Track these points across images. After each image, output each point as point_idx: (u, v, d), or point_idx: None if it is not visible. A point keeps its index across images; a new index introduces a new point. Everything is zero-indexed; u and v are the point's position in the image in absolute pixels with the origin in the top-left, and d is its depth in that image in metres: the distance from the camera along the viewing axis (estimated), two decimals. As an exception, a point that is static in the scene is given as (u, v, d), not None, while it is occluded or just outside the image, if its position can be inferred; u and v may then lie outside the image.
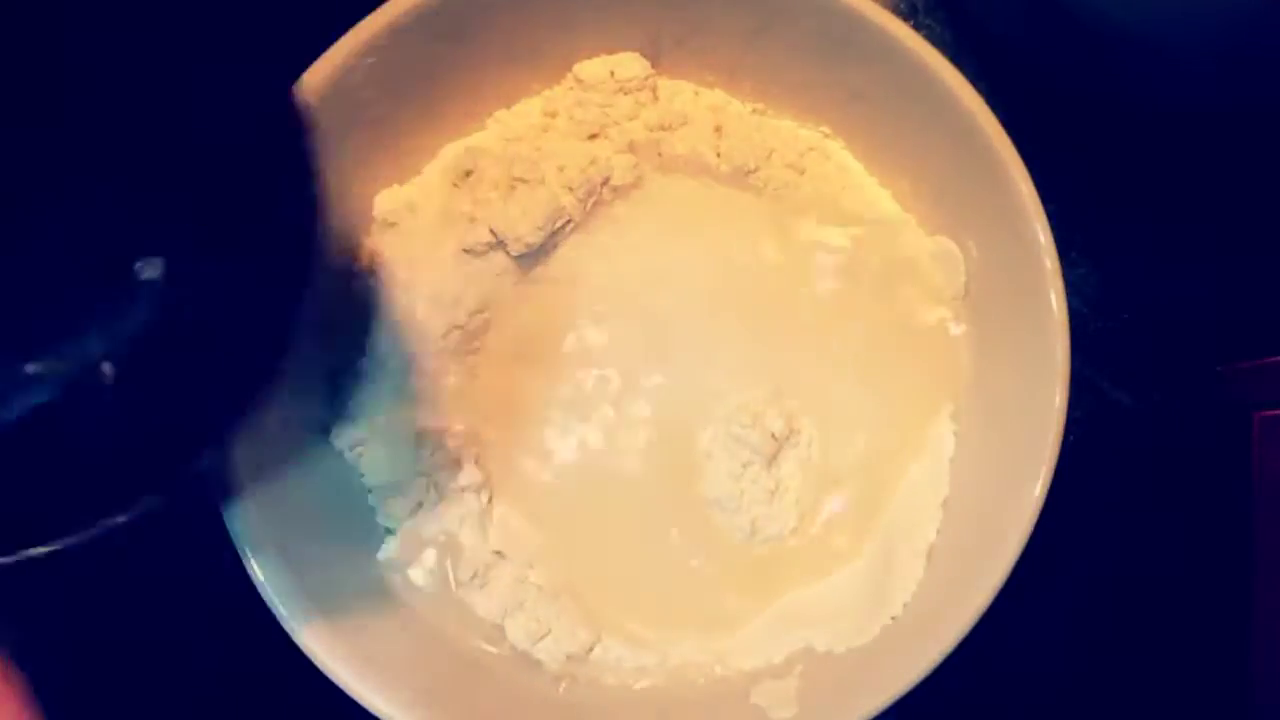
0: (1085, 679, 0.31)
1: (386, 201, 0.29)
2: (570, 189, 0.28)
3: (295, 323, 0.20)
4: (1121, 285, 0.31)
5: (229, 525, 0.26)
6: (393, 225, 0.29)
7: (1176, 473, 0.30)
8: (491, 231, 0.28)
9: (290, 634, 0.26)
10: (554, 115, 0.29)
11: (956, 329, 0.29)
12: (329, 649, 0.26)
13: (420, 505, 0.29)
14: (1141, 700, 0.31)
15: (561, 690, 0.29)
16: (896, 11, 0.28)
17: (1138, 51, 0.26)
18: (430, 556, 0.29)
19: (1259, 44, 0.23)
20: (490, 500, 0.30)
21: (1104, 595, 0.31)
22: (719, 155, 0.29)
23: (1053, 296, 0.26)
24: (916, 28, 0.26)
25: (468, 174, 0.29)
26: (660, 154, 0.29)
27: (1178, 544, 0.30)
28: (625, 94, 0.29)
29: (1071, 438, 0.26)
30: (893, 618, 0.28)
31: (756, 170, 0.29)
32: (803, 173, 0.30)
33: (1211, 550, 0.30)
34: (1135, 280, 0.31)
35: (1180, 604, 0.30)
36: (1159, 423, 0.30)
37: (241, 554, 0.26)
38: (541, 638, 0.29)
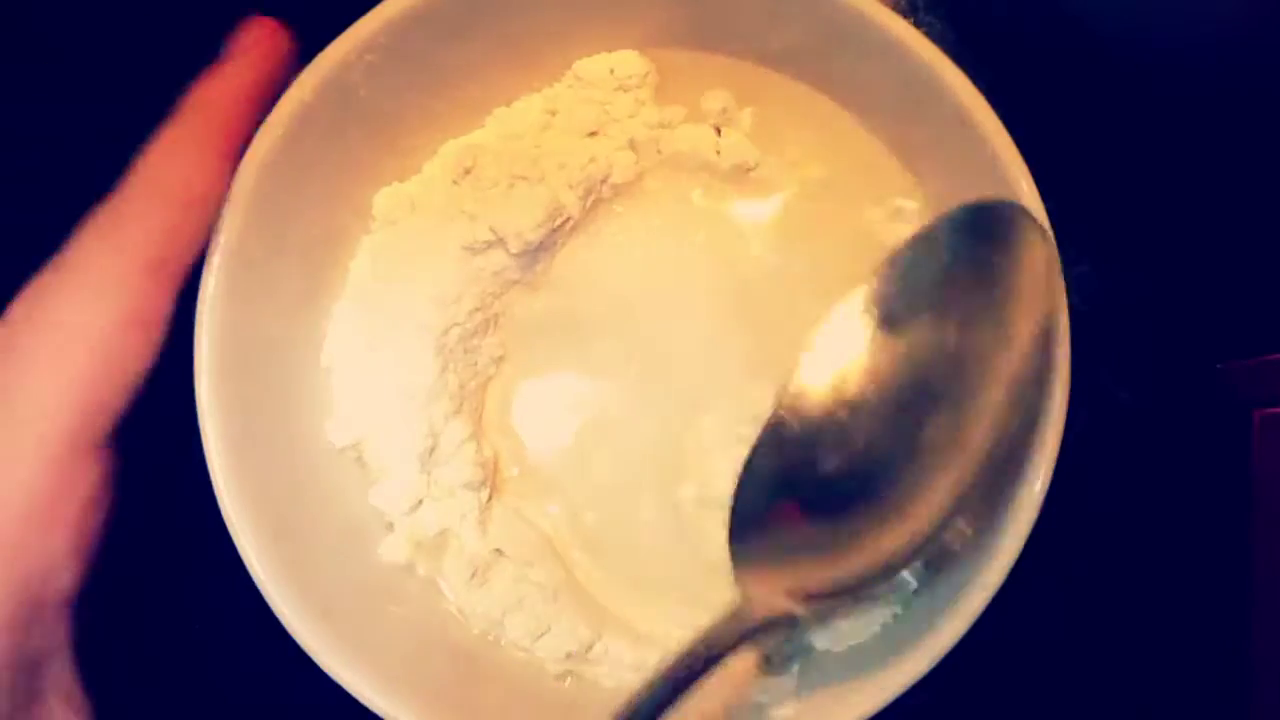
0: (1084, 678, 0.31)
1: (386, 199, 0.29)
2: (570, 187, 0.28)
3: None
4: (1121, 283, 0.31)
5: (228, 523, 0.26)
6: (393, 223, 0.29)
7: (1176, 471, 0.30)
8: (491, 229, 0.28)
9: (289, 631, 0.26)
10: (554, 113, 0.29)
11: None
12: (328, 646, 0.26)
13: (420, 503, 0.29)
14: (1141, 700, 0.31)
15: (565, 687, 0.29)
16: (896, 8, 0.28)
17: (1138, 49, 0.26)
18: (430, 554, 0.29)
19: (1258, 39, 0.23)
20: (490, 498, 0.30)
21: (1104, 595, 0.31)
22: (719, 153, 0.29)
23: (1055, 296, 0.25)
24: (916, 25, 0.26)
25: (467, 171, 0.29)
26: (660, 151, 0.29)
27: (1177, 543, 0.30)
28: (625, 91, 0.29)
29: (1071, 437, 0.26)
30: (893, 616, 0.28)
31: (756, 168, 0.29)
32: (805, 171, 0.30)
33: (1211, 549, 0.30)
34: (1135, 278, 0.31)
35: (1180, 604, 0.30)
36: (1159, 421, 0.30)
37: (241, 551, 0.26)
38: (541, 636, 0.29)
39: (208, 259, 0.26)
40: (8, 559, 0.22)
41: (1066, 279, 0.25)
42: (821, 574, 0.24)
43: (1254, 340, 0.30)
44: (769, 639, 0.28)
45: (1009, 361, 0.24)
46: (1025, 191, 0.25)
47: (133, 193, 0.24)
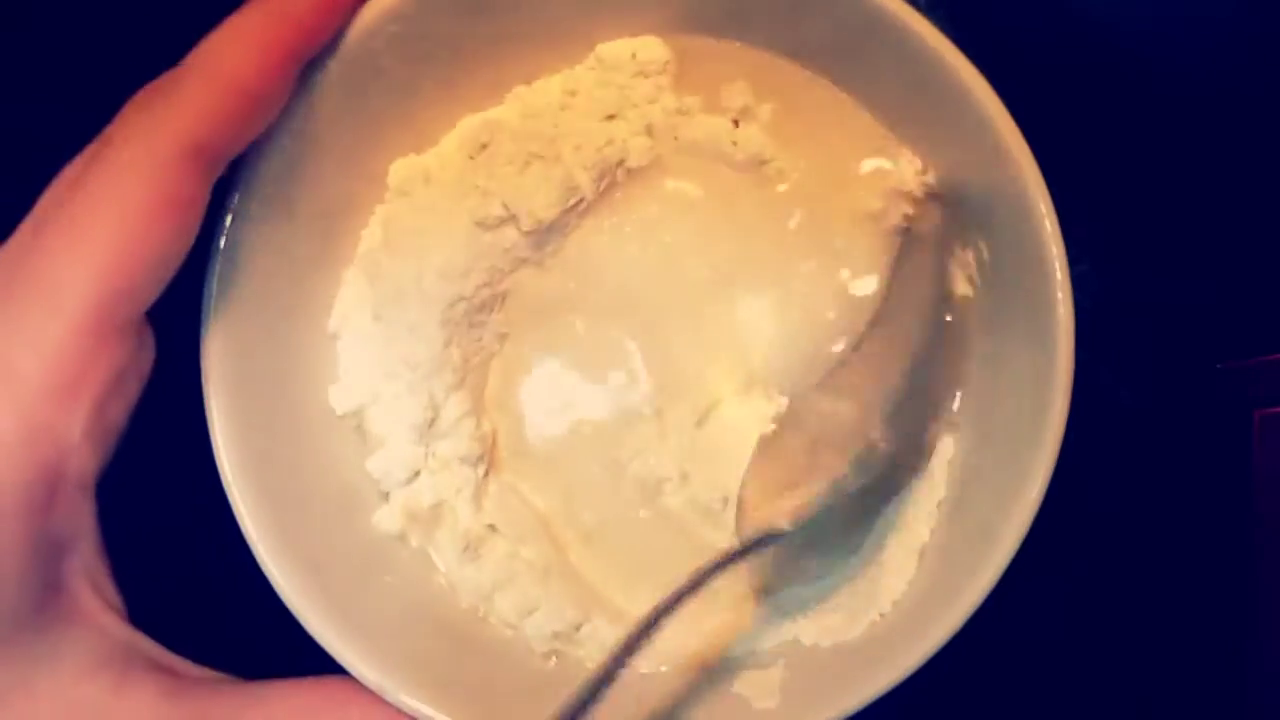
0: (1083, 678, 0.31)
1: (402, 170, 0.29)
2: (585, 168, 0.29)
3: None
4: (1121, 283, 0.31)
5: (224, 480, 0.26)
6: (406, 194, 0.29)
7: (1176, 471, 0.31)
8: (504, 205, 0.28)
9: (278, 592, 0.25)
10: (573, 94, 0.29)
11: (963, 331, 0.29)
12: (317, 612, 0.25)
13: (417, 474, 0.29)
14: (1140, 700, 0.31)
15: (550, 666, 0.28)
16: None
17: (1138, 48, 0.27)
18: (424, 525, 0.28)
19: (1258, 39, 0.24)
20: (487, 474, 0.29)
21: (1103, 594, 0.31)
22: (735, 144, 0.30)
23: (1059, 302, 0.25)
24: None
25: (484, 147, 0.29)
26: (677, 139, 0.30)
27: (1177, 543, 0.30)
28: (645, 77, 0.29)
29: (1071, 437, 0.26)
30: (881, 615, 0.28)
31: (771, 161, 0.30)
32: (821, 167, 0.30)
33: (1211, 548, 0.30)
34: (1135, 278, 0.31)
35: (1180, 603, 0.30)
36: (1159, 420, 0.31)
37: (235, 509, 0.26)
38: (529, 614, 0.28)
39: (220, 220, 0.26)
40: (26, 438, 0.21)
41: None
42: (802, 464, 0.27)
43: (1254, 340, 0.30)
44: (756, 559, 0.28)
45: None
46: (1039, 198, 0.25)
47: (181, 74, 0.23)
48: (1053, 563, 0.30)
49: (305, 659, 0.25)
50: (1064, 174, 0.26)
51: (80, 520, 0.23)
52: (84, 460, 0.22)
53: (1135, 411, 0.31)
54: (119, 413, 0.23)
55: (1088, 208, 0.30)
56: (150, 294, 0.22)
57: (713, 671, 0.28)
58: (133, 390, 0.23)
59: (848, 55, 0.28)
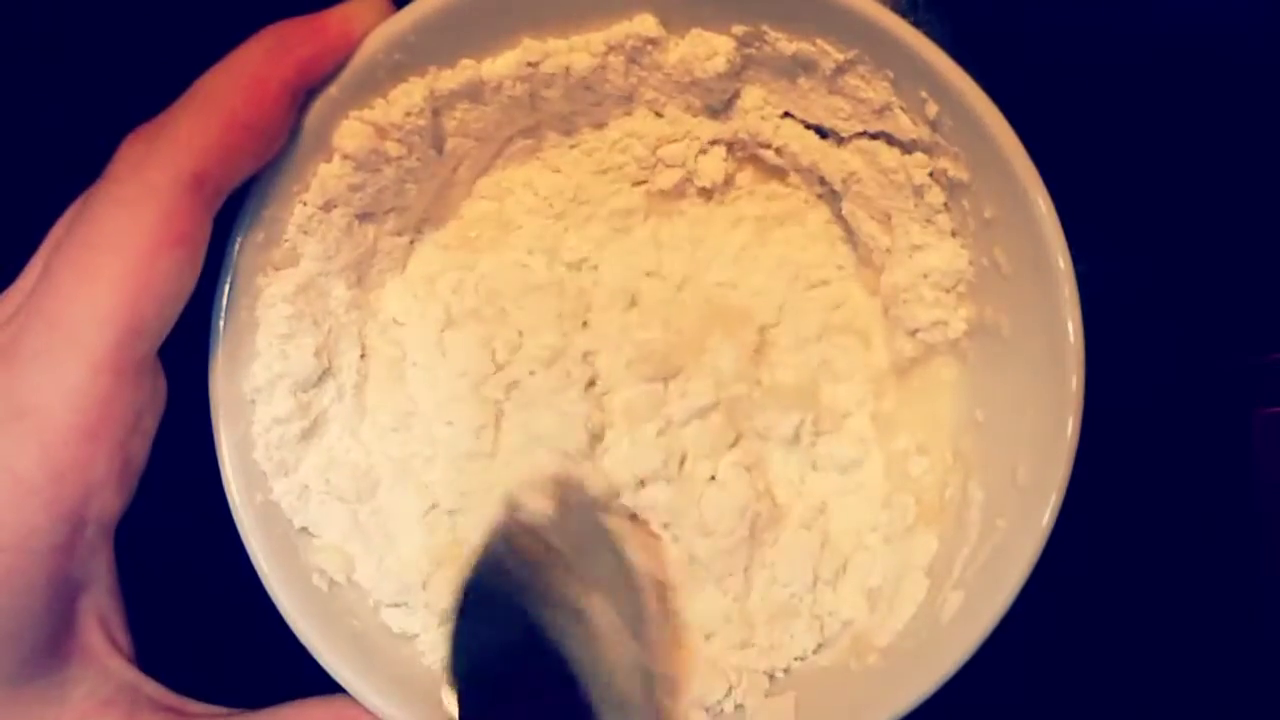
0: (1085, 678, 0.31)
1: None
2: None
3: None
4: (1122, 283, 0.31)
5: (235, 514, 0.26)
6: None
7: (1176, 471, 0.30)
8: None
9: (290, 625, 0.26)
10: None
11: (971, 353, 0.28)
12: (326, 642, 0.26)
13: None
14: (1143, 700, 0.31)
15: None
16: (896, 8, 0.28)
17: (1137, 46, 0.26)
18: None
19: (1258, 39, 0.23)
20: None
21: (1104, 593, 0.31)
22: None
23: (1070, 325, 0.25)
24: (915, 24, 0.26)
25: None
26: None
27: (1178, 542, 0.30)
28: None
29: (1071, 437, 0.25)
30: (894, 638, 0.27)
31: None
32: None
33: (1212, 548, 0.30)
34: (1136, 278, 0.31)
35: (1182, 602, 0.30)
36: (1159, 420, 0.30)
37: (245, 541, 0.26)
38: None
39: (227, 253, 0.26)
40: (52, 479, 0.21)
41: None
42: None
43: (1254, 340, 0.30)
44: None
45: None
46: (1045, 215, 0.25)
47: (177, 109, 0.23)
48: (1054, 561, 0.30)
49: (304, 681, 0.26)
50: (1062, 174, 0.26)
51: (98, 561, 0.23)
52: (108, 500, 0.23)
53: (1136, 412, 0.30)
54: (139, 451, 0.23)
55: (1087, 208, 0.29)
56: (163, 329, 0.23)
57: (729, 697, 0.28)
58: (150, 428, 0.23)
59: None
